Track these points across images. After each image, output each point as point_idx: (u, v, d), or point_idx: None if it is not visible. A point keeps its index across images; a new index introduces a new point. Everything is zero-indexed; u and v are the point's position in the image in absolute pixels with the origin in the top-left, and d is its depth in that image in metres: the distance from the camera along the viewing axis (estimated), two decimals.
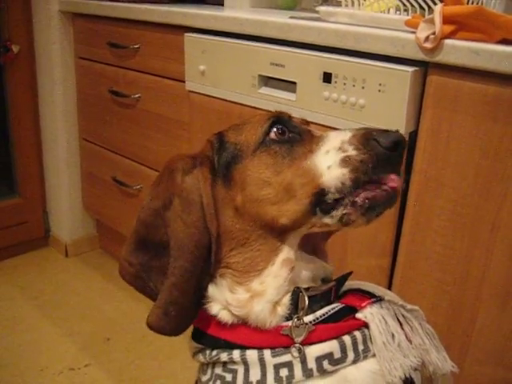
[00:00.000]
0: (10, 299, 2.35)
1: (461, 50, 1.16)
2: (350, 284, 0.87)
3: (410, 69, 1.24)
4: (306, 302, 0.77)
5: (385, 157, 0.71)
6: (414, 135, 1.32)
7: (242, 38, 1.62)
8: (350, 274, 0.87)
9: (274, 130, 0.78)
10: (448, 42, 1.18)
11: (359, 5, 1.46)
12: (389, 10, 1.44)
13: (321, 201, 0.73)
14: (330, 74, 1.39)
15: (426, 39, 1.19)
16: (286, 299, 0.77)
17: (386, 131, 0.74)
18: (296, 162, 0.75)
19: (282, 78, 1.51)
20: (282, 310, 0.77)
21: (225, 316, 0.77)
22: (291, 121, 0.81)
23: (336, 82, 1.38)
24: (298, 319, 0.76)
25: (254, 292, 0.76)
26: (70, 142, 2.55)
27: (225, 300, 0.77)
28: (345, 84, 1.37)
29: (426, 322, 0.87)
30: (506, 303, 1.23)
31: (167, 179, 0.79)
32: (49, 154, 2.65)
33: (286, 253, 0.77)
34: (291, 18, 1.57)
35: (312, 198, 0.73)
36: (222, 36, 1.68)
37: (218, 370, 0.79)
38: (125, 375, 1.91)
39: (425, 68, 1.26)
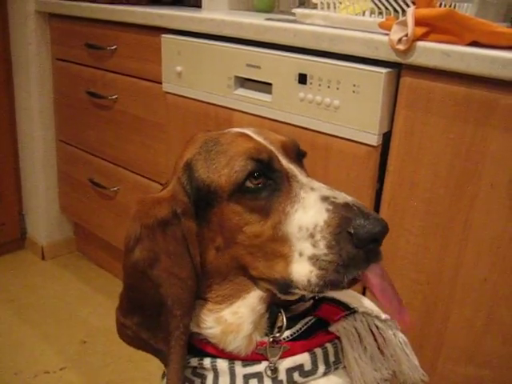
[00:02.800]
0: None
1: (432, 51, 1.18)
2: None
3: (384, 70, 1.26)
4: (285, 323, 0.77)
5: (359, 255, 0.66)
6: (387, 136, 1.34)
7: (219, 39, 1.63)
8: None
9: (250, 178, 0.72)
10: (420, 43, 1.20)
11: (335, 7, 1.48)
12: (364, 12, 1.45)
13: (286, 287, 0.72)
14: (306, 75, 1.40)
15: (399, 41, 1.21)
16: (263, 322, 0.78)
17: (366, 217, 0.67)
18: (270, 220, 0.72)
19: (258, 79, 1.52)
20: (259, 335, 0.77)
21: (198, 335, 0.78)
22: (272, 164, 0.74)
23: (311, 83, 1.39)
24: (274, 340, 0.76)
25: (225, 324, 0.75)
26: (46, 144, 2.53)
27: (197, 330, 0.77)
28: (320, 85, 1.38)
29: (400, 331, 0.88)
30: (479, 302, 1.25)
31: (148, 235, 0.74)
32: (25, 155, 2.62)
33: (263, 293, 0.76)
34: (267, 19, 1.58)
35: (280, 283, 0.72)
36: (199, 37, 1.68)
37: (187, 373, 0.79)
38: (101, 378, 1.90)
39: (398, 69, 1.28)
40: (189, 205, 0.75)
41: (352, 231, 0.65)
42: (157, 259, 0.73)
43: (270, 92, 1.50)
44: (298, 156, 0.83)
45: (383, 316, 0.85)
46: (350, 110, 1.34)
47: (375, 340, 0.82)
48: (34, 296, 2.38)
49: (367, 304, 0.87)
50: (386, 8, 1.38)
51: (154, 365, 1.91)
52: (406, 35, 1.19)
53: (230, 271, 0.76)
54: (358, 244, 0.65)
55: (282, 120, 1.49)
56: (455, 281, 1.28)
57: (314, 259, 0.67)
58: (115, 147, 2.17)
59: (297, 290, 0.71)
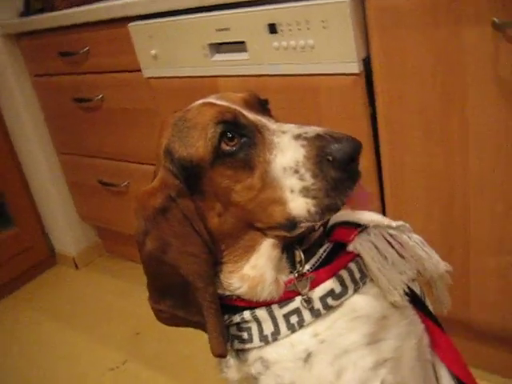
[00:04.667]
0: (36, 323, 2.41)
1: None
2: (336, 216, 0.90)
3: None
4: (302, 257, 0.82)
5: (343, 176, 0.70)
6: (367, 61, 1.36)
7: (184, 12, 1.65)
8: None
9: (223, 141, 0.75)
10: None
11: None
12: None
13: (294, 224, 0.75)
14: (274, 24, 1.42)
15: None
16: (283, 263, 0.82)
17: (339, 141, 0.70)
18: (256, 172, 0.76)
19: (231, 40, 1.55)
20: (284, 276, 0.81)
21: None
22: (239, 121, 0.77)
23: (282, 31, 1.42)
24: (299, 274, 0.81)
25: (250, 280, 0.80)
26: (48, 160, 2.58)
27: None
28: (290, 30, 1.40)
29: (414, 233, 0.92)
30: (493, 191, 1.29)
31: (153, 225, 0.78)
32: (32, 176, 2.68)
33: (274, 239, 0.80)
34: None
35: (285, 224, 0.76)
36: (165, 16, 1.70)
37: (233, 331, 0.84)
38: (162, 362, 1.98)
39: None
40: (180, 185, 0.79)
41: (330, 158, 0.70)
42: (167, 244, 0.78)
43: (245, 50, 1.53)
44: (262, 106, 0.86)
45: (394, 223, 0.88)
46: (325, 45, 1.36)
47: (392, 247, 0.85)
48: (79, 304, 2.47)
49: (375, 217, 0.90)
50: None
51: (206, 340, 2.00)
52: None
53: (236, 231, 0.80)
54: (338, 167, 0.69)
55: (265, 73, 1.52)
56: (466, 178, 1.32)
57: (305, 191, 0.72)
58: (115, 144, 2.21)
59: (302, 224, 0.75)
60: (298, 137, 0.73)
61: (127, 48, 1.88)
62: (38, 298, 2.61)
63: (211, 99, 0.82)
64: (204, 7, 1.59)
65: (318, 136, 0.72)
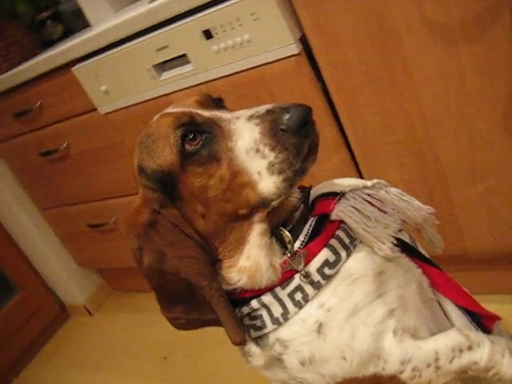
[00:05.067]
0: (66, 378, 2.45)
1: None
2: (314, 190, 0.96)
3: None
4: (290, 236, 0.86)
5: (301, 140, 0.74)
6: (304, 39, 1.41)
7: (122, 42, 1.69)
8: (310, 188, 0.96)
9: (186, 143, 0.79)
10: None
11: None
12: None
13: (266, 204, 0.80)
14: (208, 29, 1.47)
15: None
16: (275, 248, 0.86)
17: (288, 110, 0.74)
18: (223, 163, 0.79)
19: (172, 56, 1.59)
20: (278, 259, 0.86)
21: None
22: (195, 120, 0.81)
23: (217, 33, 1.47)
24: (291, 253, 0.85)
25: (247, 271, 0.84)
26: (33, 218, 2.61)
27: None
28: (225, 31, 1.45)
29: (391, 187, 0.97)
30: (454, 125, 1.35)
31: (145, 240, 0.82)
32: (21, 239, 2.71)
33: (260, 226, 0.84)
34: (151, 1, 1.64)
35: (259, 204, 0.80)
36: (104, 51, 1.74)
37: (246, 321, 0.89)
38: (194, 377, 2.02)
39: None
40: (160, 197, 0.83)
41: (284, 127, 0.74)
42: (163, 254, 0.82)
43: (188, 61, 1.58)
44: (216, 104, 0.90)
45: (369, 183, 0.93)
46: (261, 36, 1.42)
47: (373, 205, 0.90)
48: (103, 348, 2.50)
49: (350, 182, 0.95)
50: None
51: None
52: None
53: (223, 227, 0.84)
54: (294, 133, 0.74)
55: (213, 78, 1.57)
56: (425, 121, 1.37)
57: (271, 168, 0.76)
58: (92, 186, 2.25)
59: (274, 202, 0.79)
60: (251, 117, 0.78)
61: (78, 91, 1.91)
62: (61, 353, 2.64)
63: (167, 110, 0.87)
64: (139, 32, 1.63)
65: (269, 111, 0.76)
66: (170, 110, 0.87)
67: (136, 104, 1.80)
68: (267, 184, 0.77)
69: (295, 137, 0.74)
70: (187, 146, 0.80)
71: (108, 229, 2.35)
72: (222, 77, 1.55)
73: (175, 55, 1.59)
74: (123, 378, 2.23)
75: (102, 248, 2.49)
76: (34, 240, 2.65)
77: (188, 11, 1.49)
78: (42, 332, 2.74)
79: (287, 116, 0.74)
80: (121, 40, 1.69)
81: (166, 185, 0.82)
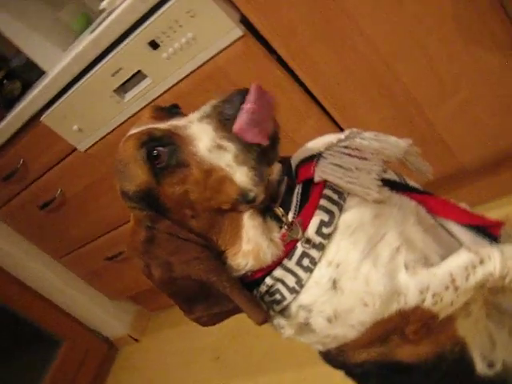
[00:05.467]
0: None
1: None
2: (294, 159, 0.99)
3: None
4: (281, 210, 0.90)
5: None
6: (245, 19, 1.44)
7: (78, 78, 1.72)
8: (289, 158, 0.99)
9: (153, 159, 0.82)
10: None
11: None
12: None
13: (246, 196, 0.83)
14: (153, 40, 1.50)
15: None
16: (270, 224, 0.90)
17: (228, 100, 0.78)
18: (193, 168, 0.83)
19: (128, 76, 1.63)
20: (277, 234, 0.89)
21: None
22: (154, 136, 0.84)
23: (162, 41, 1.50)
24: (287, 225, 0.89)
25: (250, 253, 0.88)
26: (54, 270, 2.67)
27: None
28: (168, 36, 1.48)
29: (364, 132, 0.99)
30: (410, 52, 1.39)
31: (149, 256, 0.87)
32: (50, 293, 2.76)
33: (250, 212, 0.88)
34: (92, 32, 1.67)
35: (240, 198, 0.83)
36: (64, 92, 1.78)
37: (267, 299, 0.92)
38: (248, 369, 2.08)
39: None
40: (148, 214, 0.87)
41: (229, 117, 0.78)
42: (169, 263, 0.86)
43: (145, 76, 1.62)
44: (170, 112, 0.92)
45: (342, 135, 0.96)
46: (203, 29, 1.45)
47: (351, 156, 0.93)
48: (158, 367, 2.57)
49: (324, 140, 0.97)
50: None
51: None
52: None
53: (215, 220, 0.87)
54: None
55: (173, 83, 1.60)
56: (381, 54, 1.40)
57: (236, 159, 0.79)
58: (96, 221, 2.29)
59: (252, 193, 0.82)
60: (201, 118, 0.81)
61: (53, 138, 1.95)
62: None
63: (129, 132, 0.90)
64: (91, 63, 1.66)
65: (214, 107, 0.80)
66: (131, 132, 0.89)
67: (111, 132, 1.84)
68: (241, 175, 0.80)
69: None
70: (155, 163, 0.83)
71: (125, 256, 2.40)
72: (181, 79, 1.59)
73: (131, 74, 1.62)
74: None
75: (127, 275, 2.54)
76: (62, 289, 2.71)
77: (128, 29, 1.52)
78: (98, 372, 2.81)
79: (229, 106, 0.78)
80: (77, 76, 1.72)
81: (150, 201, 0.86)
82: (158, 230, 0.86)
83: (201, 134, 0.81)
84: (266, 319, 0.88)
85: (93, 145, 1.91)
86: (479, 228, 0.99)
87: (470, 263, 0.88)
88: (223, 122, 0.79)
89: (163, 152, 0.83)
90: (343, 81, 1.48)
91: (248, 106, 0.78)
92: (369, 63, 1.43)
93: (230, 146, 0.79)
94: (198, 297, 0.89)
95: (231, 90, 0.80)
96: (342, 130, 1.60)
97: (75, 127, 1.85)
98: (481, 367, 1.02)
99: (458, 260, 0.89)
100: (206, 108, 0.82)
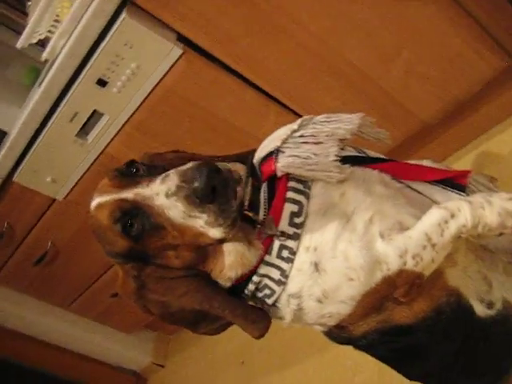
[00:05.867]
0: None
1: None
2: (256, 158, 1.02)
3: (121, 16, 1.39)
4: (251, 212, 0.94)
5: (218, 200, 0.82)
6: (182, 37, 1.46)
7: (39, 131, 1.74)
8: (251, 160, 1.03)
9: (128, 230, 0.88)
10: None
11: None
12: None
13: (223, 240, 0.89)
14: (99, 78, 1.53)
15: None
16: (245, 228, 0.93)
17: (192, 181, 0.81)
18: (168, 229, 0.87)
19: (86, 118, 1.66)
20: (252, 236, 0.93)
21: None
22: (126, 210, 0.88)
23: (109, 77, 1.53)
24: (260, 224, 0.93)
25: (235, 263, 0.93)
26: (66, 319, 2.75)
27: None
28: (113, 71, 1.51)
29: (316, 117, 1.01)
30: (345, 26, 1.43)
31: (145, 301, 0.93)
32: (67, 342, 2.84)
33: None
34: (40, 84, 1.69)
35: (215, 243, 0.89)
36: (30, 148, 1.80)
37: (258, 295, 0.96)
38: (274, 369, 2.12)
39: (122, 5, 1.40)
40: (134, 265, 0.93)
41: (198, 199, 0.81)
42: (164, 302, 0.93)
43: (102, 114, 1.65)
44: (130, 175, 0.94)
45: (295, 125, 0.99)
46: (145, 57, 1.48)
47: (308, 143, 0.96)
48: None
49: (279, 134, 1.00)
50: None
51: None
52: None
53: (197, 254, 0.92)
54: (208, 202, 0.82)
55: (130, 114, 1.63)
56: (316, 36, 1.44)
57: (209, 224, 0.84)
58: (93, 262, 2.31)
59: (229, 235, 0.88)
60: (167, 195, 0.84)
61: (30, 194, 1.98)
62: None
63: (96, 200, 0.93)
64: (47, 114, 1.69)
65: (179, 187, 0.83)
66: (97, 199, 0.92)
67: (84, 174, 1.87)
68: (215, 231, 0.85)
69: (213, 205, 0.82)
70: (131, 232, 0.88)
71: None
72: (137, 108, 1.62)
73: (87, 116, 1.65)
74: None
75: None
76: (77, 336, 2.76)
77: (74, 74, 1.55)
78: None
79: (194, 188, 0.81)
80: (37, 130, 1.74)
81: (133, 255, 0.92)
82: (146, 276, 0.92)
83: (171, 209, 0.85)
84: (263, 333, 0.93)
85: (70, 191, 1.94)
86: (447, 181, 1.03)
87: (441, 219, 0.91)
88: (192, 202, 0.82)
89: (137, 221, 0.87)
90: (290, 71, 1.52)
91: None
92: (309, 48, 1.46)
93: (203, 216, 0.83)
94: (198, 319, 0.94)
95: (188, 166, 0.83)
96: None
97: (48, 179, 1.88)
98: (480, 310, 1.06)
99: (430, 218, 0.92)
100: (171, 185, 0.84)
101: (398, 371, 1.18)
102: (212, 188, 0.81)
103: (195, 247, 0.91)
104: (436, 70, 1.50)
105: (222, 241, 0.89)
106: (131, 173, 0.94)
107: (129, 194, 0.89)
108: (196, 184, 0.81)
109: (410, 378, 1.22)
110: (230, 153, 1.10)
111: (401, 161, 1.06)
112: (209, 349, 2.57)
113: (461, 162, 1.80)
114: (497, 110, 1.68)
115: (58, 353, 2.80)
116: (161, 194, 0.86)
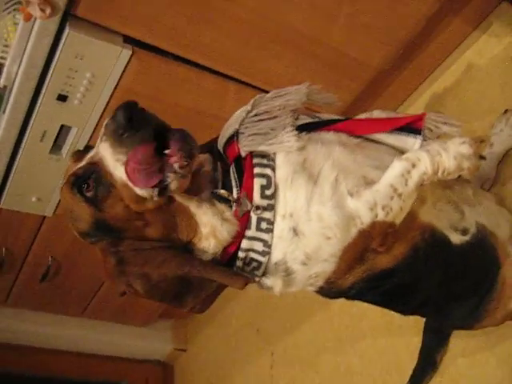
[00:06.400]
0: None
1: None
2: (220, 143, 1.08)
3: (65, 31, 1.43)
4: (225, 192, 1.00)
5: (142, 131, 0.88)
6: (128, 38, 1.50)
7: (14, 155, 1.79)
8: (215, 145, 1.09)
9: (85, 192, 0.93)
10: None
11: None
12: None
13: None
14: (59, 93, 1.57)
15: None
16: (220, 206, 1.00)
17: (113, 117, 0.88)
18: (117, 184, 0.92)
19: (55, 135, 1.71)
20: (229, 212, 0.99)
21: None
22: (78, 173, 0.94)
23: (68, 91, 1.57)
24: (235, 201, 0.99)
25: (209, 235, 0.98)
26: (84, 327, 2.83)
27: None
28: (71, 85, 1.55)
29: (266, 94, 1.07)
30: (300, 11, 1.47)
31: (126, 276, 0.96)
32: (93, 346, 2.90)
33: (192, 201, 0.98)
34: (4, 111, 1.73)
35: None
36: (9, 172, 1.84)
37: (247, 269, 1.02)
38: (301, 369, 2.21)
39: (64, 20, 1.43)
40: (108, 240, 0.97)
41: (120, 132, 0.88)
42: (145, 274, 0.96)
43: (70, 127, 1.70)
44: (87, 151, 1.00)
45: (249, 106, 1.05)
46: (98, 64, 1.52)
47: (263, 120, 1.03)
48: (215, 363, 2.72)
49: (235, 117, 1.06)
50: None
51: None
52: None
53: (167, 220, 0.97)
54: (126, 132, 0.88)
55: (97, 121, 1.68)
56: (256, 11, 1.49)
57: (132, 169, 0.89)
58: (97, 266, 2.37)
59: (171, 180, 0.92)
60: (100, 139, 0.93)
61: (20, 216, 2.05)
62: None
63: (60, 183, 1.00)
64: (18, 139, 1.73)
65: (106, 125, 0.91)
66: (61, 182, 1.00)
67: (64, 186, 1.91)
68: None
69: (132, 136, 0.88)
70: (88, 194, 0.93)
71: None
72: (101, 115, 1.65)
73: (56, 132, 1.69)
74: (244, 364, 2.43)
75: (145, 300, 2.64)
76: (98, 339, 2.87)
77: (34, 95, 1.59)
78: None
79: (113, 122, 0.88)
80: (12, 155, 1.79)
81: (104, 230, 0.96)
82: (123, 250, 0.96)
83: (105, 153, 0.92)
84: (246, 282, 0.98)
85: (57, 206, 1.99)
86: (404, 127, 1.09)
87: (404, 170, 0.99)
88: (115, 136, 0.89)
89: (90, 182, 0.93)
90: (239, 48, 1.56)
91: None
92: (252, 23, 1.50)
93: (124, 151, 0.89)
94: (183, 290, 0.98)
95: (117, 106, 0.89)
96: (261, 90, 1.68)
97: (34, 199, 1.93)
98: (455, 238, 1.14)
99: (394, 170, 0.99)
100: (103, 129, 0.92)
101: (394, 310, 1.27)
102: (129, 118, 0.87)
103: (157, 211, 0.95)
104: (377, 17, 1.55)
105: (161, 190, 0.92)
106: (88, 150, 1.01)
107: (82, 163, 0.96)
108: (115, 117, 0.88)
109: (405, 314, 1.31)
110: (202, 138, 1.15)
111: (352, 118, 1.12)
112: (225, 324, 2.66)
113: (422, 99, 1.86)
114: (444, 44, 1.74)
115: (86, 359, 2.88)
116: (98, 143, 0.93)
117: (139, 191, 0.91)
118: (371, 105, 1.83)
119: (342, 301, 1.17)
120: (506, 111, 1.52)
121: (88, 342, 2.85)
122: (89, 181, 0.93)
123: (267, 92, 1.08)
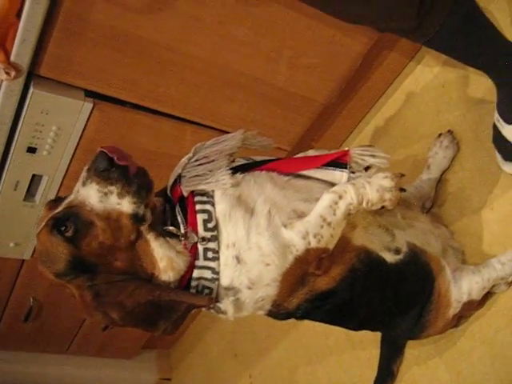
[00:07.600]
0: None
1: None
2: (168, 188, 1.20)
3: (30, 91, 1.55)
4: (173, 228, 1.11)
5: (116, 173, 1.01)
6: (89, 92, 1.63)
7: None
8: (166, 190, 1.21)
9: (64, 233, 1.01)
10: None
11: None
12: None
13: (139, 215, 1.05)
14: (28, 146, 1.69)
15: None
16: (171, 241, 1.11)
17: (95, 160, 1.01)
18: (95, 221, 1.02)
19: (28, 183, 1.82)
20: (180, 246, 1.10)
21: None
22: (57, 216, 1.02)
23: (36, 144, 1.68)
24: (183, 236, 1.11)
25: (168, 267, 1.08)
26: (68, 363, 2.87)
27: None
28: (38, 138, 1.67)
29: (206, 142, 1.21)
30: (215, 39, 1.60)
31: (103, 307, 1.04)
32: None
33: (150, 236, 1.09)
34: None
35: (133, 221, 1.05)
36: None
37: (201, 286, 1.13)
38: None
39: (29, 83, 1.56)
40: (83, 277, 1.04)
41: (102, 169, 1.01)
42: (120, 303, 1.03)
43: (41, 176, 1.81)
44: (60, 200, 1.10)
45: (190, 154, 1.18)
46: (62, 118, 1.64)
47: (202, 164, 1.16)
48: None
49: (180, 164, 1.19)
50: None
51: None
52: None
53: (133, 255, 1.08)
54: (104, 168, 1.01)
55: (65, 169, 1.79)
56: (209, 59, 1.62)
57: (120, 195, 1.02)
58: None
59: (141, 211, 1.04)
60: (83, 183, 1.04)
61: (0, 262, 2.13)
62: None
63: (37, 230, 1.08)
64: None
65: (87, 170, 1.03)
66: (37, 229, 1.08)
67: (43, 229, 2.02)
68: (127, 204, 1.03)
69: (112, 173, 1.01)
70: (67, 234, 1.02)
71: None
72: (70, 163, 1.77)
73: (29, 181, 1.81)
74: None
75: (128, 332, 2.74)
76: (83, 375, 2.92)
77: (5, 149, 1.70)
78: None
79: (96, 163, 1.01)
80: None
81: (80, 267, 1.04)
82: (98, 284, 1.05)
83: (89, 193, 1.03)
84: (210, 301, 1.09)
85: (34, 249, 2.09)
86: (331, 163, 1.22)
87: (332, 201, 1.12)
88: (100, 175, 1.01)
89: (68, 223, 1.02)
90: (193, 94, 1.69)
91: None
92: (202, 71, 1.63)
93: (113, 188, 1.01)
94: (155, 315, 1.07)
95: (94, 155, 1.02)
96: (216, 129, 1.81)
97: (12, 244, 2.03)
98: (390, 257, 1.27)
99: (323, 202, 1.13)
100: (83, 174, 1.04)
101: (343, 327, 1.39)
102: (111, 160, 1.00)
103: (128, 245, 1.06)
104: (316, 57, 1.69)
105: (139, 218, 1.05)
106: (61, 199, 1.11)
107: (60, 208, 1.06)
108: (97, 160, 1.01)
109: (356, 330, 1.43)
110: (165, 176, 1.25)
111: (283, 158, 1.25)
112: (206, 352, 2.75)
113: (369, 128, 2.00)
114: (384, 75, 1.90)
115: None
116: (79, 187, 1.05)
117: (129, 207, 1.03)
118: (322, 136, 1.97)
119: (307, 321, 1.29)
120: (439, 135, 1.67)
121: (74, 378, 2.90)
122: (67, 222, 1.01)
123: (222, 132, 1.22)
